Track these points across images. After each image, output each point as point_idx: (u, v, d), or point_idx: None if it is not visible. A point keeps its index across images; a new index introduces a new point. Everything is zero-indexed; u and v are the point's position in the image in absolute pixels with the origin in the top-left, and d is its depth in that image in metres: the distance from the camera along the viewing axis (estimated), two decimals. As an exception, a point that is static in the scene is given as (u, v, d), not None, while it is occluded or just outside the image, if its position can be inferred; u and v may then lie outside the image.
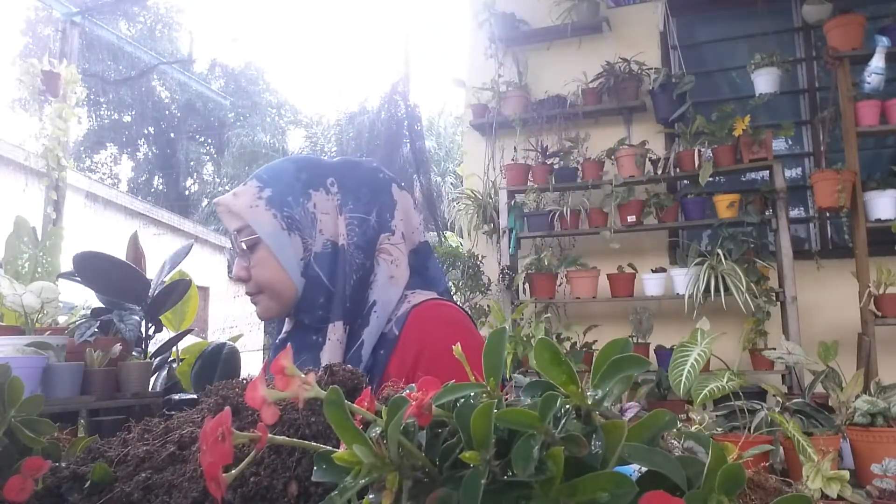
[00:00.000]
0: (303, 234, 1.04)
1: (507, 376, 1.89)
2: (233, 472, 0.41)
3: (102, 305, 2.13)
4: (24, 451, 0.59)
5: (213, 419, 0.38)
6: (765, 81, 3.46)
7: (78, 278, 2.03)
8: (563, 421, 0.37)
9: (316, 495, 0.49)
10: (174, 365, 2.40)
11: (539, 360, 0.40)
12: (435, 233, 6.30)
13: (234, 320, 12.35)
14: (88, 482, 0.55)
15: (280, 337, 1.15)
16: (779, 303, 3.24)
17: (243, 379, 0.68)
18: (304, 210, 1.04)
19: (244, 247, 1.05)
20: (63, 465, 0.59)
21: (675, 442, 0.83)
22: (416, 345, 0.99)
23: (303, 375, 0.41)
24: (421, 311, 1.04)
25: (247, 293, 1.10)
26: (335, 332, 1.01)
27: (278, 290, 1.05)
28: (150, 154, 23.06)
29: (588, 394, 0.39)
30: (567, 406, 0.38)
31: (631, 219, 3.51)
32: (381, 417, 0.39)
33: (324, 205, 1.05)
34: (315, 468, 0.41)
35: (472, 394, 0.41)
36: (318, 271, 1.03)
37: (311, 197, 1.05)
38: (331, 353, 1.00)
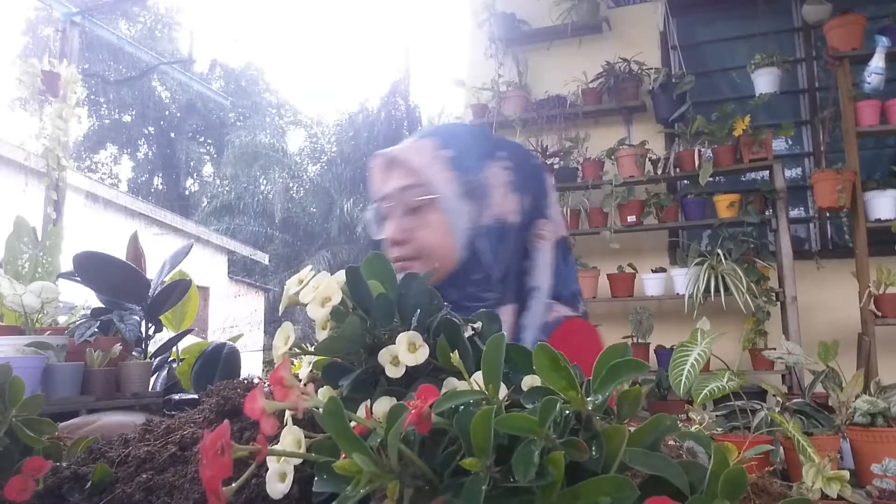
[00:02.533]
0: (475, 203, 0.99)
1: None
2: (233, 485, 0.41)
3: (102, 305, 2.13)
4: (26, 450, 0.59)
5: (213, 432, 0.38)
6: (765, 81, 3.46)
7: (78, 278, 2.03)
8: (563, 426, 0.37)
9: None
10: (174, 365, 2.40)
11: (538, 366, 0.40)
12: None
13: (234, 320, 12.36)
14: (89, 483, 0.55)
15: None
16: (779, 303, 3.24)
17: (244, 379, 0.67)
18: (479, 178, 1.00)
19: (413, 206, 0.99)
20: (64, 465, 0.59)
21: (676, 442, 0.83)
22: (572, 353, 0.95)
23: (301, 385, 0.41)
24: (575, 325, 1.00)
25: (398, 257, 1.01)
26: (506, 315, 0.96)
27: (440, 258, 0.99)
28: (150, 154, 23.06)
29: (588, 399, 0.39)
30: (567, 411, 0.38)
31: (631, 219, 3.52)
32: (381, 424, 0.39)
33: (496, 178, 1.01)
34: (316, 478, 0.41)
35: (472, 401, 0.40)
36: (483, 246, 0.99)
37: (486, 167, 1.01)
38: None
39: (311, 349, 0.52)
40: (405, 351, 0.47)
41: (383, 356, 0.48)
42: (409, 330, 0.49)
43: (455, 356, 0.46)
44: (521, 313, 0.98)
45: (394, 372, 0.47)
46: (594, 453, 0.36)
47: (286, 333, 0.51)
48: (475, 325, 0.51)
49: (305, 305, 0.51)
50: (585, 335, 1.01)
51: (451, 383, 0.47)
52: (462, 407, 0.40)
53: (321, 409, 0.39)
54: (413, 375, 0.48)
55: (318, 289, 0.50)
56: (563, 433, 0.37)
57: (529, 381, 0.45)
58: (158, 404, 2.00)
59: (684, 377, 1.74)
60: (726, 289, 3.10)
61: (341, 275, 0.51)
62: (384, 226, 1.02)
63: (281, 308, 0.56)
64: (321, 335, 0.50)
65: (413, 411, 0.37)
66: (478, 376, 0.45)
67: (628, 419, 0.41)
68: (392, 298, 0.51)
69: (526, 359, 0.47)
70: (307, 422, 0.50)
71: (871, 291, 2.99)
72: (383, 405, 0.45)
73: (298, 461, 0.43)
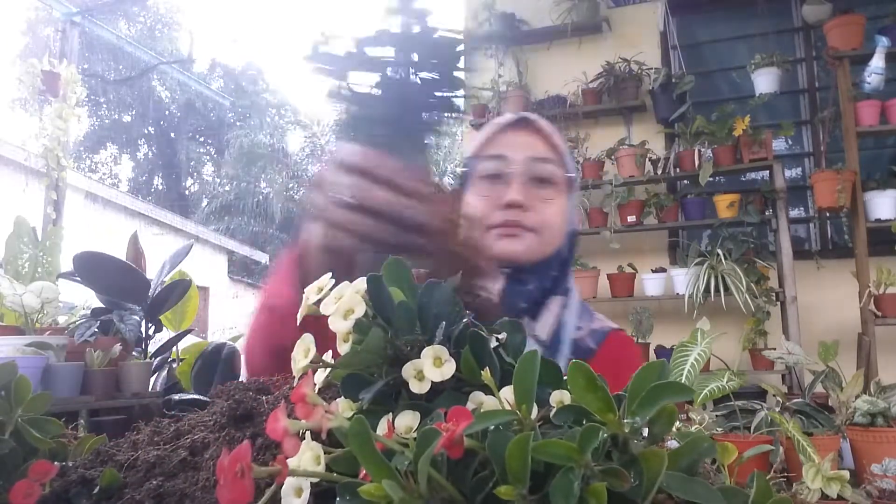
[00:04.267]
0: (572, 202, 1.04)
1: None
2: None
3: (102, 305, 2.13)
4: (31, 451, 0.58)
5: (231, 453, 0.36)
6: (765, 81, 3.47)
7: (78, 278, 2.03)
8: (601, 450, 0.35)
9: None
10: (174, 365, 2.40)
11: (573, 386, 0.38)
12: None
13: (234, 320, 12.35)
14: (97, 488, 0.53)
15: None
16: (779, 303, 3.24)
17: (256, 380, 0.66)
18: (576, 186, 1.05)
19: (546, 178, 0.98)
20: (70, 465, 0.58)
21: (676, 442, 0.83)
22: (622, 368, 0.99)
23: (325, 404, 0.40)
24: (623, 338, 1.04)
25: (514, 222, 0.95)
26: (556, 303, 0.98)
27: (551, 238, 0.98)
28: (150, 154, 23.06)
29: (625, 421, 0.37)
30: (605, 436, 0.36)
31: (631, 219, 3.52)
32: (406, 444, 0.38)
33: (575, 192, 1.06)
34: (338, 499, 0.40)
35: (504, 423, 0.38)
36: (567, 245, 1.02)
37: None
38: (546, 322, 0.95)
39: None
40: (430, 366, 0.44)
41: (407, 371, 0.45)
42: (431, 340, 0.47)
43: (486, 374, 0.44)
44: (563, 309, 0.99)
45: (418, 387, 0.44)
46: (633, 480, 0.34)
47: (306, 346, 0.49)
48: (500, 336, 0.49)
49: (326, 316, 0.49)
50: (634, 352, 1.05)
51: (478, 398, 0.45)
52: (493, 427, 0.38)
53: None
54: (436, 388, 0.45)
55: (341, 300, 0.48)
56: (600, 458, 0.35)
57: (558, 397, 0.43)
58: (158, 404, 2.00)
59: (684, 377, 1.74)
60: (726, 289, 3.10)
61: (362, 283, 0.49)
62: (493, 186, 0.98)
63: (299, 317, 0.55)
64: (342, 348, 0.47)
65: (445, 436, 0.35)
66: (507, 391, 0.43)
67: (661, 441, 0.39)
68: (413, 307, 0.49)
69: (553, 372, 0.45)
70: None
71: (871, 291, 2.99)
72: (406, 420, 0.44)
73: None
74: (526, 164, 0.97)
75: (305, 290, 0.53)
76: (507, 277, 0.92)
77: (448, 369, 0.45)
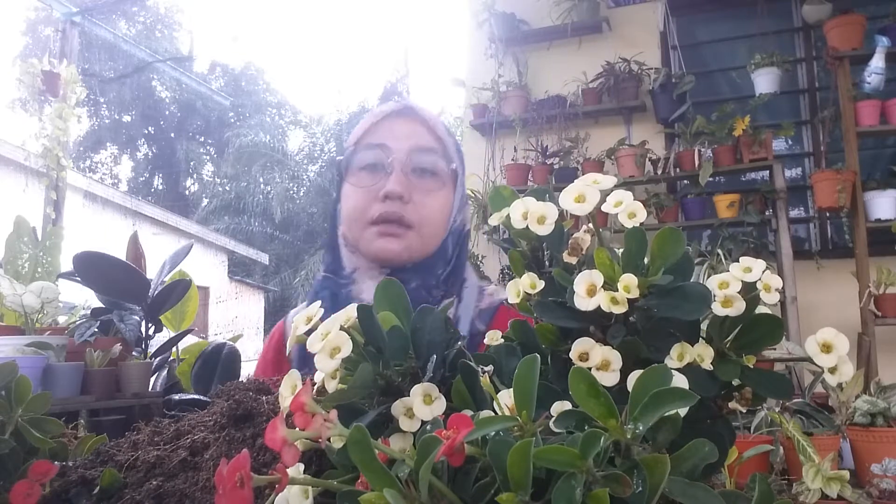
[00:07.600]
0: (459, 198, 0.97)
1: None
2: None
3: (102, 305, 2.12)
4: (32, 451, 0.58)
5: (231, 462, 0.36)
6: (765, 81, 3.46)
7: (78, 278, 2.02)
8: (602, 456, 0.35)
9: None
10: (174, 365, 2.40)
11: (575, 392, 0.38)
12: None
13: (234, 320, 12.33)
14: (97, 488, 0.53)
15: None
16: (779, 303, 3.24)
17: (256, 380, 0.66)
18: (462, 178, 0.99)
19: (428, 169, 0.94)
20: (70, 465, 0.58)
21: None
22: None
23: (324, 413, 0.40)
24: (514, 312, 1.04)
25: (391, 215, 0.91)
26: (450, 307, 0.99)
27: (431, 234, 0.93)
28: (150, 154, 23.05)
29: (627, 427, 0.36)
30: (607, 442, 0.35)
31: (631, 219, 3.51)
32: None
33: (463, 184, 1.01)
34: None
35: (504, 429, 0.38)
36: (451, 244, 0.96)
37: (463, 171, 1.00)
38: None
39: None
40: (421, 403, 0.44)
41: (397, 408, 0.45)
42: (424, 367, 0.46)
43: (485, 380, 0.43)
44: (457, 305, 0.95)
45: (408, 425, 0.44)
46: (636, 487, 0.34)
47: (293, 382, 0.48)
48: (487, 369, 0.48)
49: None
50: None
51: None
52: (493, 434, 0.37)
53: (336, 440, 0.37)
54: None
55: (327, 337, 0.47)
56: (602, 464, 0.35)
57: (558, 407, 0.43)
58: (158, 404, 2.00)
59: (684, 377, 1.74)
60: (726, 289, 3.10)
61: (352, 310, 0.48)
62: (373, 176, 0.95)
63: (288, 347, 0.54)
64: (330, 384, 0.46)
65: (445, 443, 0.35)
66: (504, 396, 0.42)
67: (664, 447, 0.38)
68: (406, 332, 0.48)
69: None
70: (312, 454, 0.48)
71: (871, 291, 2.99)
72: (398, 443, 0.44)
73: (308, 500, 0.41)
74: (407, 153, 0.94)
75: (295, 318, 0.52)
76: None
77: (438, 407, 0.44)
